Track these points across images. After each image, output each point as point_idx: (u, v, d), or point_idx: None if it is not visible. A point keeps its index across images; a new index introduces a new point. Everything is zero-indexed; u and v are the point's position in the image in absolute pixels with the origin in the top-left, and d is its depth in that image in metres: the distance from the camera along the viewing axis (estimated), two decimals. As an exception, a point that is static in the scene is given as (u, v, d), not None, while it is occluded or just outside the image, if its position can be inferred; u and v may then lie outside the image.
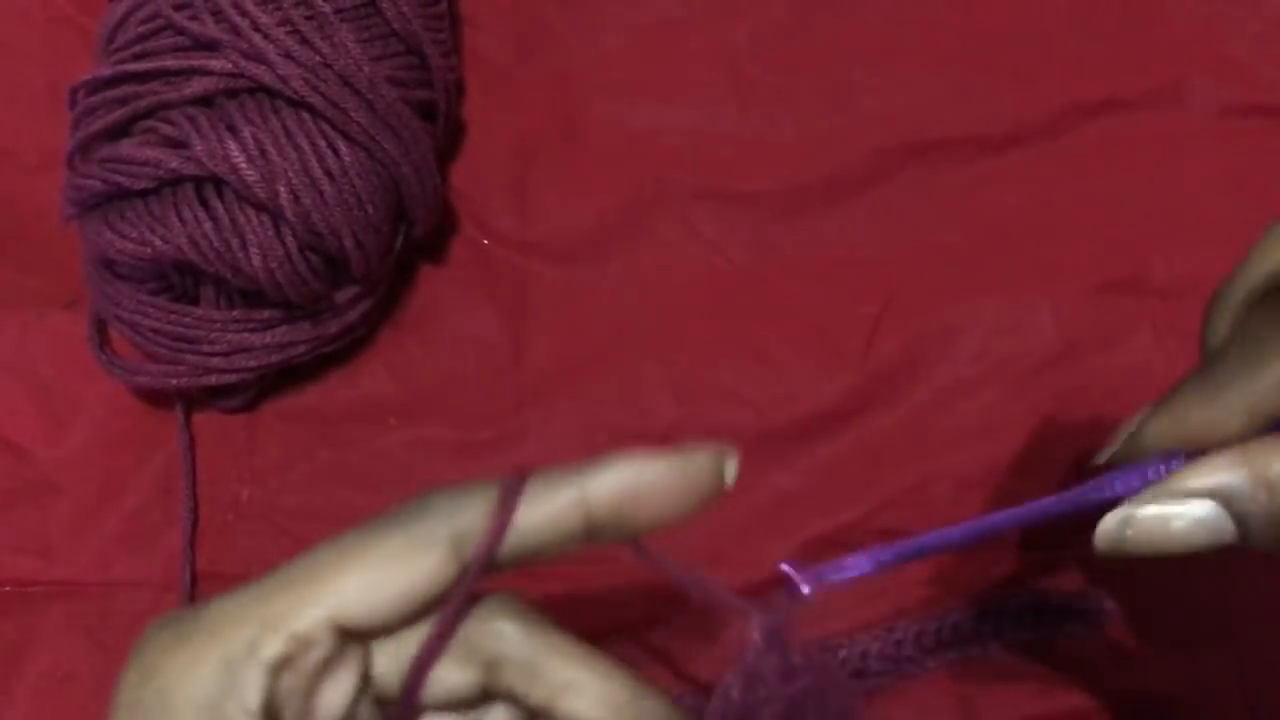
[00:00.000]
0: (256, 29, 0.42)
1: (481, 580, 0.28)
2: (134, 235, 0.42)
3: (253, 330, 0.45)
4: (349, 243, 0.43)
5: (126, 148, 0.42)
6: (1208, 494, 0.28)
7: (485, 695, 0.30)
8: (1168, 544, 0.28)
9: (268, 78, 0.42)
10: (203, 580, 0.46)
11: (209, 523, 0.47)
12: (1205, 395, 0.29)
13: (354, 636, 0.28)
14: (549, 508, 0.28)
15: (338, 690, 0.28)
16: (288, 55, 0.42)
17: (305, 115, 0.42)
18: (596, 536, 0.28)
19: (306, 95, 0.42)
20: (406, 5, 0.44)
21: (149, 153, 0.41)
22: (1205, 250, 0.48)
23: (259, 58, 0.42)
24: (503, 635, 0.29)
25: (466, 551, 0.27)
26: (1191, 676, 0.44)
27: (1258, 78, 0.50)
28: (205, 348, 0.45)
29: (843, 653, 0.42)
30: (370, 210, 0.44)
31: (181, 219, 0.42)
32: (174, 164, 0.41)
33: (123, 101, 0.43)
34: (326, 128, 0.43)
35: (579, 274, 0.49)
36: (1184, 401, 0.29)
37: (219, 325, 0.45)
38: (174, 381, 0.45)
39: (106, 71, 0.43)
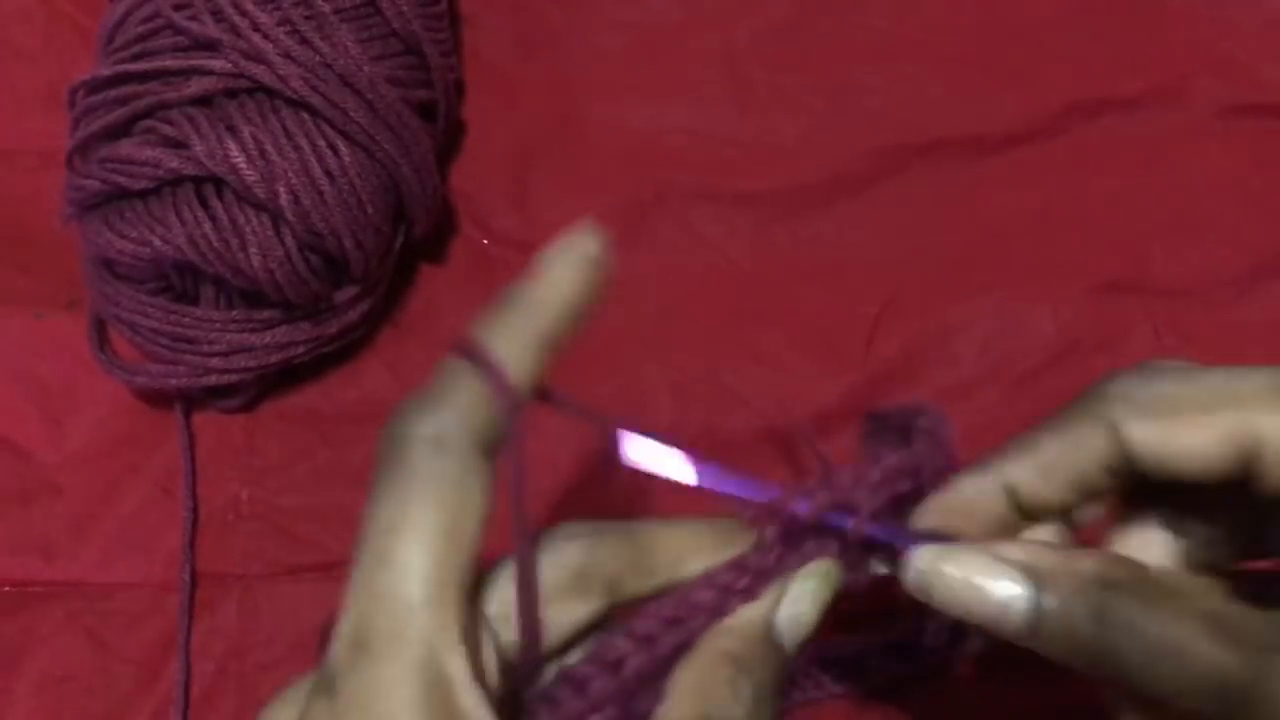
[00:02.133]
0: (256, 29, 0.42)
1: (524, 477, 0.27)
2: (134, 235, 0.42)
3: (253, 330, 0.45)
4: (349, 243, 0.43)
5: (126, 148, 0.42)
6: (1018, 565, 0.29)
7: (607, 616, 0.30)
8: (963, 600, 0.29)
9: (267, 78, 0.42)
10: (203, 580, 0.46)
11: (209, 523, 0.47)
12: (976, 473, 0.31)
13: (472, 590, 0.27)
14: (523, 355, 0.29)
15: (485, 652, 0.28)
16: (287, 55, 0.42)
17: (305, 115, 0.42)
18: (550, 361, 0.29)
19: (306, 95, 0.42)
20: (406, 5, 0.44)
21: (149, 152, 0.41)
22: (1205, 250, 0.48)
23: (259, 58, 0.42)
24: (610, 557, 0.30)
25: (489, 443, 0.27)
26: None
27: (1258, 78, 0.50)
28: (205, 348, 0.45)
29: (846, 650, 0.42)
30: (370, 210, 0.44)
31: (181, 219, 0.42)
32: (174, 164, 0.41)
33: (122, 101, 0.43)
34: (326, 128, 0.43)
35: (579, 274, 0.49)
36: (959, 478, 0.32)
37: (219, 325, 0.45)
38: (174, 381, 0.45)
39: (106, 71, 0.43)
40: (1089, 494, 0.31)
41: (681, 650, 0.29)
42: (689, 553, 0.31)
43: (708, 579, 0.30)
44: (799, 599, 0.30)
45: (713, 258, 0.49)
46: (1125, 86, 0.50)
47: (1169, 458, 0.29)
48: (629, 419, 0.46)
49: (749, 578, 0.30)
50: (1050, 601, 0.28)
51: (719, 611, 0.30)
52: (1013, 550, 0.29)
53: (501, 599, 0.28)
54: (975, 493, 0.31)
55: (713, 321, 0.48)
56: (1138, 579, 0.28)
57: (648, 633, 0.29)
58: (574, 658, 0.30)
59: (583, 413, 0.30)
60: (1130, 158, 0.49)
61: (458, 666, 0.25)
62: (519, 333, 0.29)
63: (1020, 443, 0.31)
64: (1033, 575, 0.28)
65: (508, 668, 0.28)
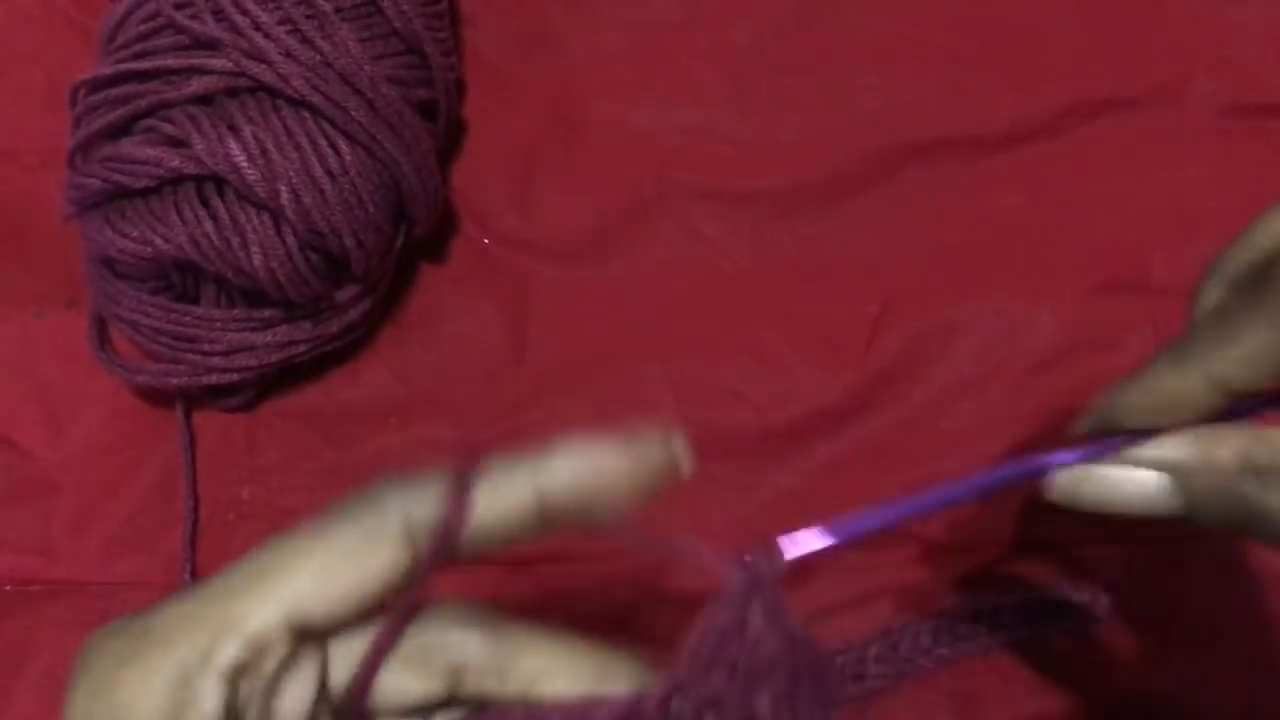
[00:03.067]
0: (257, 28, 0.42)
1: (437, 572, 0.27)
2: (134, 234, 0.42)
3: (253, 329, 0.45)
4: (349, 242, 0.43)
5: (127, 147, 0.42)
6: (1160, 465, 0.29)
7: (450, 700, 0.29)
8: (1118, 503, 0.30)
9: (268, 77, 0.42)
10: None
11: (209, 523, 0.47)
12: (1174, 367, 0.30)
13: (310, 637, 0.27)
14: (504, 500, 0.27)
15: (296, 696, 0.27)
16: (288, 54, 0.42)
17: (306, 114, 0.42)
18: (550, 525, 0.27)
19: (307, 94, 0.42)
20: (407, 4, 0.44)
21: (150, 152, 0.41)
22: (1205, 250, 0.48)
23: (260, 56, 0.42)
24: (462, 643, 0.28)
25: (420, 543, 0.27)
26: (1191, 676, 0.44)
27: (1258, 78, 0.50)
28: (205, 347, 0.45)
29: (842, 659, 0.42)
30: (370, 209, 0.44)
31: (182, 218, 0.42)
32: (175, 163, 0.41)
33: (123, 100, 0.43)
34: (327, 127, 0.43)
35: (579, 274, 0.49)
36: (1155, 372, 0.30)
37: (219, 324, 0.45)
38: (174, 381, 0.45)
39: (107, 70, 0.43)
40: None
41: None
42: (556, 672, 0.28)
43: (575, 710, 0.27)
44: None
45: (713, 257, 0.49)
46: (1125, 86, 0.50)
47: None
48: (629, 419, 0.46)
49: None
50: (1199, 500, 0.29)
51: None
52: (1149, 451, 0.30)
53: (351, 648, 0.28)
54: (1179, 387, 0.30)
55: (713, 321, 0.48)
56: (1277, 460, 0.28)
57: None
58: None
59: (656, 546, 0.28)
60: (1130, 158, 0.49)
61: (226, 654, 0.25)
62: (516, 477, 0.27)
63: (1217, 330, 0.30)
64: (1175, 474, 0.29)
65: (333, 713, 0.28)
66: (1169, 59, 0.50)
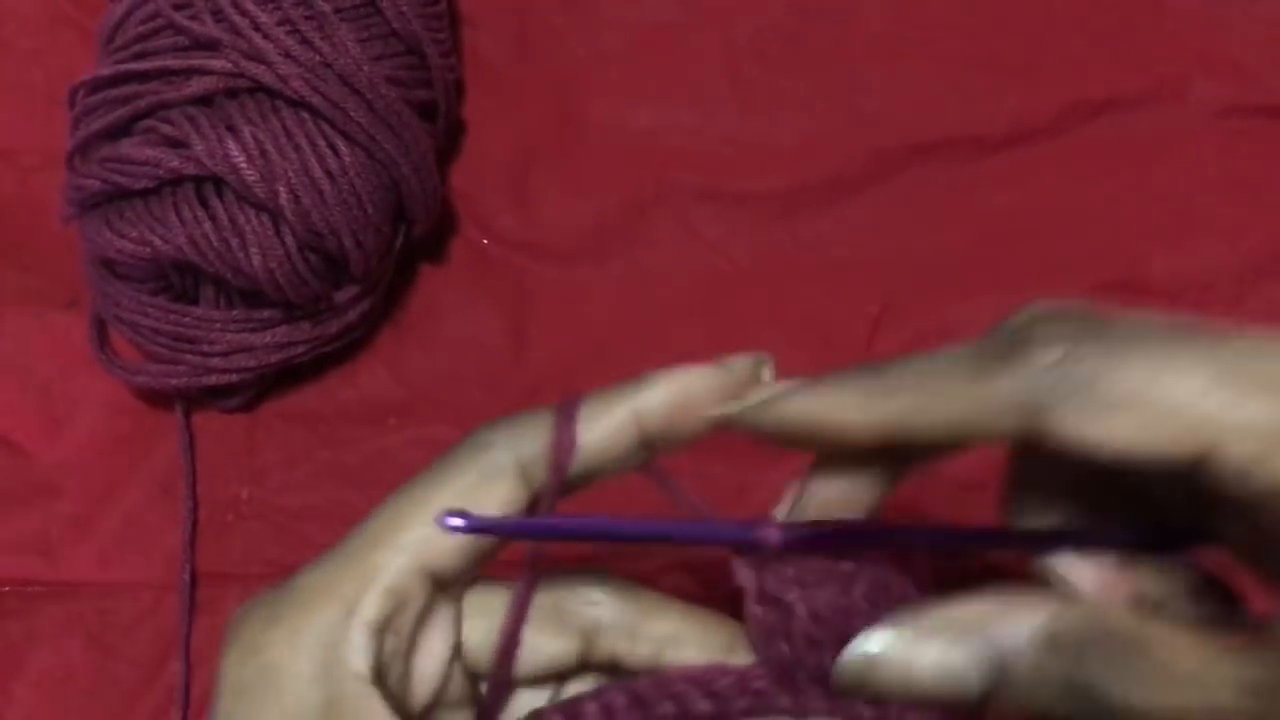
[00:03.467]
0: (256, 28, 0.42)
1: (558, 499, 0.28)
2: (134, 235, 0.42)
3: (253, 330, 0.45)
4: (349, 242, 0.43)
5: (126, 147, 0.42)
6: (971, 631, 0.25)
7: (581, 665, 0.30)
8: (913, 690, 0.26)
9: (268, 77, 0.42)
10: (203, 580, 0.46)
11: (209, 523, 0.47)
12: (857, 394, 0.26)
13: (443, 586, 0.28)
14: (606, 425, 0.28)
15: (433, 653, 0.28)
16: (287, 55, 0.42)
17: (305, 115, 0.42)
18: (651, 447, 0.28)
19: (306, 95, 0.42)
20: (406, 5, 0.44)
21: (149, 152, 0.41)
22: (1205, 250, 0.48)
23: (259, 57, 0.42)
24: (597, 602, 0.30)
25: (534, 478, 0.28)
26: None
27: (1258, 78, 0.50)
28: (205, 348, 0.45)
29: None
30: (370, 210, 0.44)
31: (181, 219, 0.42)
32: (174, 163, 0.41)
33: (123, 101, 0.43)
34: (326, 127, 0.43)
35: (579, 274, 0.49)
36: (834, 391, 0.27)
37: (219, 325, 0.45)
38: (174, 381, 0.45)
39: (107, 71, 0.43)
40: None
41: None
42: (685, 638, 0.30)
43: (700, 676, 0.28)
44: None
45: (713, 257, 0.49)
46: (1125, 86, 0.50)
47: (1094, 451, 0.24)
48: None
49: (745, 698, 0.27)
50: (1011, 669, 0.25)
51: (688, 711, 0.27)
52: (955, 610, 0.26)
53: (486, 609, 0.29)
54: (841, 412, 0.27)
55: (713, 321, 0.48)
56: (1101, 634, 0.24)
57: (610, 703, 0.28)
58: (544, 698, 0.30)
59: (677, 495, 0.30)
60: (1130, 158, 0.49)
61: (370, 609, 0.26)
62: (615, 403, 0.28)
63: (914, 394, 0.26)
64: (983, 643, 0.25)
65: (474, 681, 0.29)
66: (1169, 59, 0.50)
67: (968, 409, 0.25)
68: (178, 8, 0.43)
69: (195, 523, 0.46)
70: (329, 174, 0.42)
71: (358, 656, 0.26)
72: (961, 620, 0.25)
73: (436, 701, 0.28)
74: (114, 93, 0.43)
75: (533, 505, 0.28)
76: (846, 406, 0.26)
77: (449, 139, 0.50)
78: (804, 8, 0.51)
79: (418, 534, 0.27)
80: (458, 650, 0.29)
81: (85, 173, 0.43)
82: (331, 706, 0.25)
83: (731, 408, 0.28)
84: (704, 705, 0.27)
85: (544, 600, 0.30)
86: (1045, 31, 0.51)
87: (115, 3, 0.45)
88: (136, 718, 0.45)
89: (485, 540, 0.28)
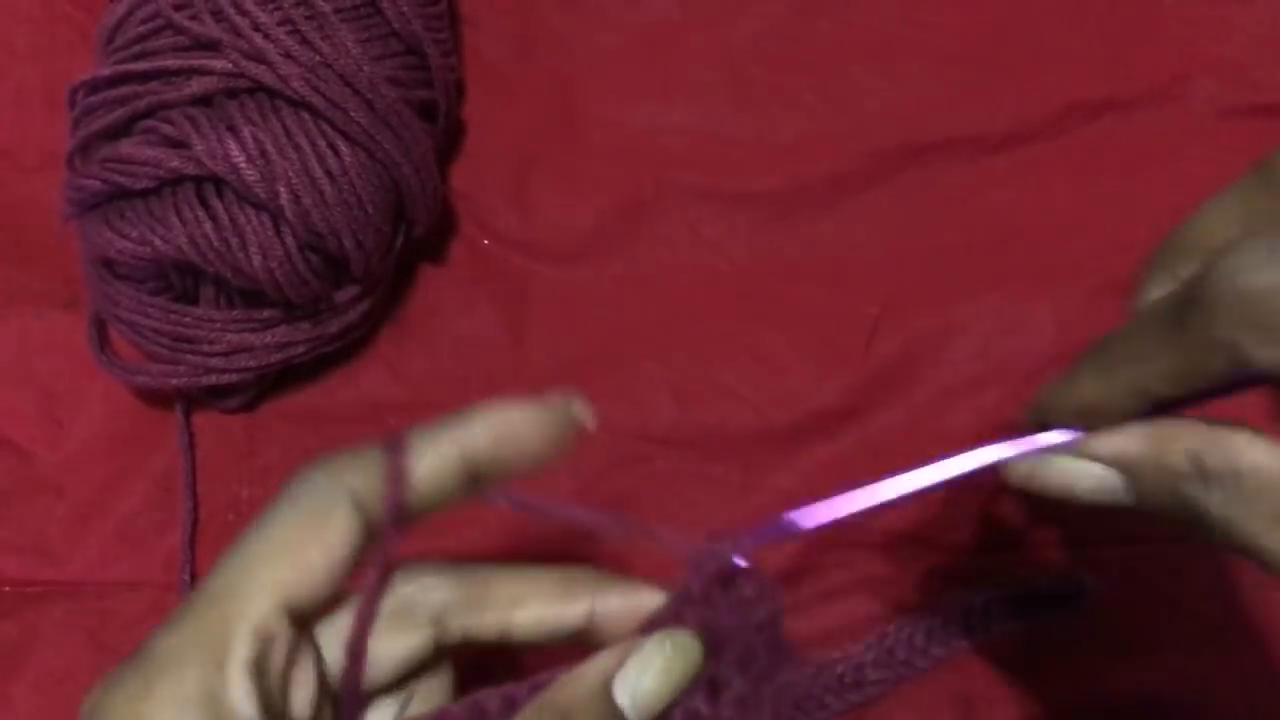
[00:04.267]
0: (256, 29, 0.42)
1: (394, 533, 0.29)
2: (134, 235, 0.42)
3: (253, 330, 0.45)
4: (349, 242, 0.43)
5: (126, 147, 0.42)
6: (1113, 461, 0.29)
7: (436, 656, 0.30)
8: (1071, 492, 0.30)
9: (268, 77, 0.42)
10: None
11: (209, 523, 0.47)
12: (1098, 374, 0.30)
13: (304, 621, 0.28)
14: (433, 459, 0.29)
15: (302, 688, 0.28)
16: (288, 55, 0.42)
17: (305, 115, 0.42)
18: (477, 482, 0.30)
19: (306, 95, 0.42)
20: (406, 5, 0.44)
21: (149, 152, 0.41)
22: (1205, 250, 0.48)
23: (259, 57, 0.42)
24: (436, 586, 0.30)
25: (369, 509, 0.28)
26: (1191, 676, 0.44)
27: (1258, 78, 0.50)
28: (205, 348, 0.45)
29: (839, 669, 0.42)
30: (370, 210, 0.44)
31: (181, 219, 0.42)
32: (174, 164, 0.41)
33: (123, 101, 0.43)
34: (326, 128, 0.43)
35: (579, 274, 0.49)
36: (1078, 378, 0.30)
37: (219, 325, 0.45)
38: (174, 381, 0.45)
39: (106, 71, 0.43)
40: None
41: None
42: (526, 595, 0.30)
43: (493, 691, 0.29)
44: (644, 668, 0.28)
45: (713, 257, 0.49)
46: (1125, 86, 0.50)
47: None
48: (628, 419, 0.47)
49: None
50: (1148, 497, 0.29)
51: None
52: (1105, 445, 0.29)
53: (335, 630, 0.29)
54: (1101, 395, 0.30)
55: (713, 321, 0.48)
56: (1236, 472, 0.27)
57: (480, 702, 0.28)
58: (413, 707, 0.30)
59: (522, 508, 0.31)
60: (1130, 158, 0.49)
61: (239, 652, 0.26)
62: (440, 438, 0.29)
63: (1138, 343, 0.29)
64: (1127, 470, 0.29)
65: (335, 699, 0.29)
66: (1169, 59, 0.50)
67: (1177, 362, 0.28)
68: (178, 8, 0.43)
69: (195, 523, 0.46)
70: (329, 174, 0.42)
71: (243, 701, 0.26)
72: (1116, 444, 0.29)
73: None
74: (114, 93, 0.43)
75: (369, 536, 0.28)
76: (1091, 388, 0.30)
77: (449, 139, 0.50)
78: (804, 8, 0.51)
79: (271, 575, 0.27)
80: (324, 680, 0.29)
81: (85, 173, 0.43)
82: None
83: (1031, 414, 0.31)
84: None
85: (386, 603, 0.30)
86: (1045, 31, 0.51)
87: (115, 3, 0.45)
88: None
89: (335, 579, 0.28)
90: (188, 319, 0.44)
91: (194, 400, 0.48)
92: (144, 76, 0.43)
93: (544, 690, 0.28)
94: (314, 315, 0.45)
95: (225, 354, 0.45)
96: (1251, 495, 0.27)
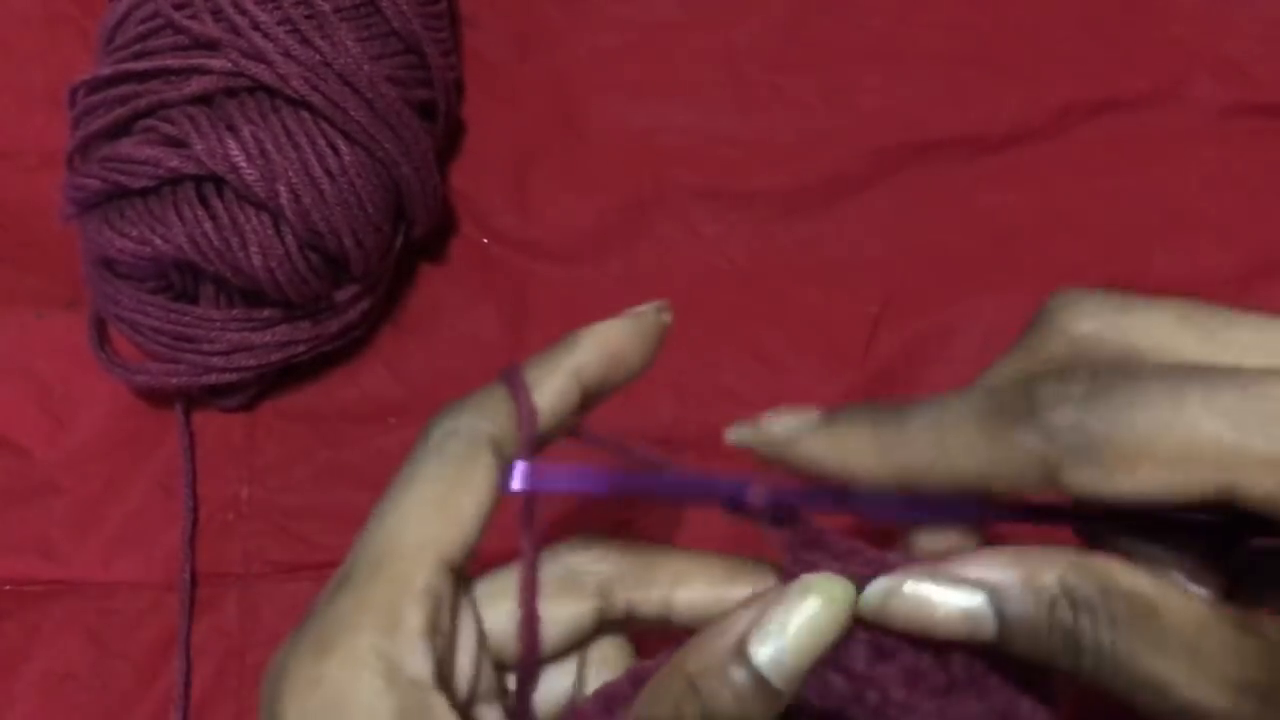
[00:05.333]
0: (256, 28, 0.42)
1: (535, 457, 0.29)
2: (134, 234, 0.42)
3: (253, 329, 0.45)
4: (349, 242, 0.43)
5: (126, 147, 0.42)
6: (980, 586, 0.26)
7: (598, 628, 0.31)
8: (927, 622, 0.26)
9: (267, 77, 0.42)
10: (203, 580, 0.46)
11: (209, 523, 0.47)
12: (874, 443, 0.28)
13: (462, 576, 0.28)
14: (554, 386, 0.30)
15: (465, 646, 0.28)
16: (287, 54, 0.42)
17: (305, 114, 0.42)
18: (592, 399, 0.31)
19: (306, 94, 0.42)
20: (406, 4, 0.44)
21: (149, 151, 0.41)
22: (1205, 250, 0.48)
23: (259, 57, 0.42)
24: (604, 558, 0.31)
25: (505, 451, 0.29)
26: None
27: (1258, 78, 0.50)
28: (205, 347, 0.45)
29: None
30: (370, 209, 0.44)
31: (181, 218, 0.42)
32: (174, 163, 0.41)
33: (123, 101, 0.43)
34: (326, 127, 0.43)
35: (579, 274, 0.49)
36: (852, 436, 0.28)
37: (219, 324, 0.45)
38: (174, 381, 0.45)
39: (106, 71, 0.43)
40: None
41: None
42: (691, 575, 0.31)
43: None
44: (780, 629, 0.25)
45: (713, 257, 0.49)
46: (1125, 86, 0.50)
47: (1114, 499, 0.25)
48: (628, 419, 0.46)
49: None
50: (1015, 625, 0.26)
51: None
52: (970, 567, 0.26)
53: (497, 594, 0.30)
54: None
55: (713, 321, 0.48)
56: (1098, 594, 0.25)
57: (645, 674, 0.27)
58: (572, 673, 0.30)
59: (614, 448, 0.32)
60: (1130, 158, 0.49)
61: (412, 616, 0.26)
62: (555, 366, 0.30)
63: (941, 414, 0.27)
64: (992, 592, 0.26)
65: (501, 670, 0.29)
66: (1169, 59, 0.50)
67: (984, 465, 0.26)
68: (178, 7, 0.43)
69: (195, 522, 0.46)
70: (329, 173, 0.42)
71: (419, 665, 0.26)
72: (980, 571, 0.26)
73: (472, 698, 0.29)
74: (114, 92, 0.43)
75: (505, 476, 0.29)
76: (862, 453, 0.28)
77: (449, 139, 0.50)
78: (804, 8, 0.51)
79: (430, 532, 0.27)
80: (483, 640, 0.29)
81: (85, 172, 0.43)
82: (404, 717, 0.25)
83: (745, 435, 0.30)
84: None
85: (552, 570, 0.30)
86: (1045, 31, 0.51)
87: (115, 2, 0.45)
88: (136, 718, 0.45)
89: (485, 528, 0.28)
90: (188, 318, 0.44)
91: (194, 399, 0.48)
92: (144, 76, 0.43)
93: (673, 654, 0.26)
94: (314, 314, 0.45)
95: (225, 353, 0.45)
96: (1122, 618, 0.25)
